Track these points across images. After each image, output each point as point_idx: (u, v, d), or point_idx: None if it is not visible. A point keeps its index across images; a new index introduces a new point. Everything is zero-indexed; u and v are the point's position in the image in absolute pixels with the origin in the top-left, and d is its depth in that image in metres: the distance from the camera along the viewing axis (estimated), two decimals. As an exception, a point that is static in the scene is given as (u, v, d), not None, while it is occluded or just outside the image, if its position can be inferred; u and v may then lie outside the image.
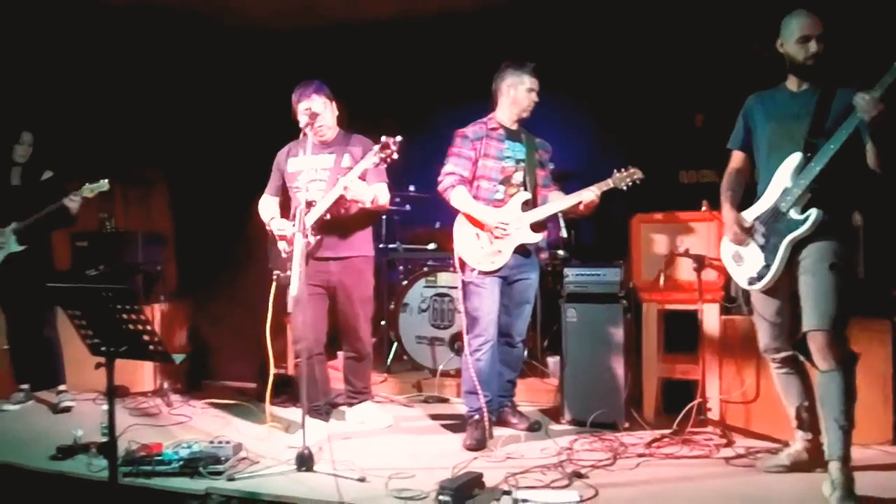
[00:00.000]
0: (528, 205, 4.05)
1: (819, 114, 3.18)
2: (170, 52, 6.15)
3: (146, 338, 2.89)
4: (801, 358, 3.30)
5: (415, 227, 5.72)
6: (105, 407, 3.66)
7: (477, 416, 3.93)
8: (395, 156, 3.74)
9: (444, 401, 4.84)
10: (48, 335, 4.88)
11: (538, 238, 4.03)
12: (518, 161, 4.07)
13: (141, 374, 5.16)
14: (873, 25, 4.51)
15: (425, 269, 5.28)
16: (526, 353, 4.77)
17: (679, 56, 5.40)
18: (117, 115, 6.12)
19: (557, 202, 4.04)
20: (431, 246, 5.53)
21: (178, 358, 2.98)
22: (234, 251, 6.33)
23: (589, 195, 3.90)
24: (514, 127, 4.12)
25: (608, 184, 3.91)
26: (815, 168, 3.10)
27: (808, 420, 3.36)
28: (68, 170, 5.07)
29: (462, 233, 4.05)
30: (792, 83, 3.31)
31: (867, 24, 4.51)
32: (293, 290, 3.38)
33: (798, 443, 3.41)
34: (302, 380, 3.51)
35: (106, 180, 4.71)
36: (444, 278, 5.14)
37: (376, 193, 3.98)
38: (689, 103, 5.45)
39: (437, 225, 5.52)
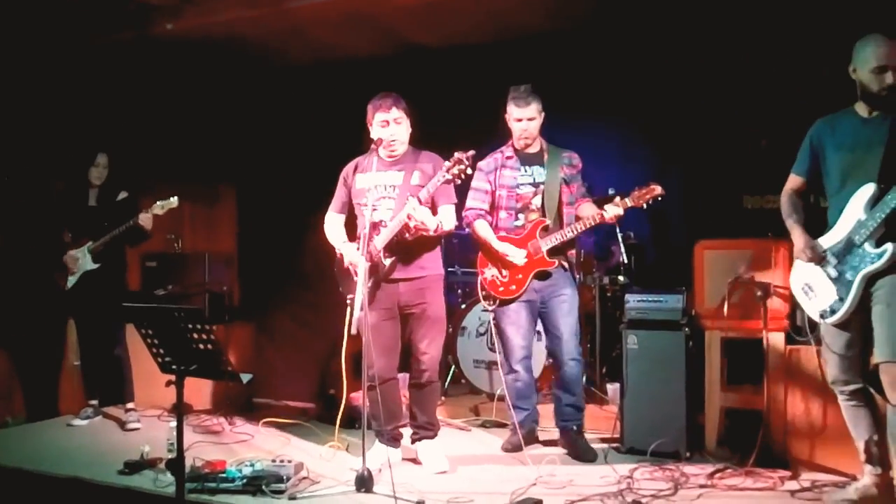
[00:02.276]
0: (548, 230, 4.12)
1: (892, 143, 3.10)
2: (240, 76, 6.37)
3: (216, 357, 2.97)
4: (872, 390, 3.22)
5: (474, 251, 5.70)
6: (172, 424, 3.79)
7: (513, 426, 4.22)
8: (469, 171, 3.66)
9: (502, 426, 4.82)
10: (118, 353, 5.02)
11: (553, 263, 4.10)
12: (537, 184, 4.15)
13: (203, 391, 5.28)
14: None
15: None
16: (584, 378, 4.74)
17: (743, 78, 5.35)
18: (191, 135, 6.35)
19: (570, 228, 4.08)
20: (490, 270, 5.53)
21: (246, 377, 3.04)
22: (295, 272, 6.47)
23: (606, 214, 3.97)
24: (535, 149, 4.19)
25: (626, 203, 3.95)
26: (891, 202, 3.01)
27: (877, 454, 3.27)
28: (144, 190, 5.25)
29: (483, 264, 4.24)
30: (862, 109, 3.22)
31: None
32: (356, 312, 3.41)
33: (867, 477, 3.31)
34: (365, 403, 3.53)
35: (175, 197, 4.85)
36: (503, 302, 5.14)
37: (440, 220, 3.84)
38: (754, 126, 5.37)
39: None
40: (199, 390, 5.21)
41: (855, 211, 3.15)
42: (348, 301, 3.92)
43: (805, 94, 5.03)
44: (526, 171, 4.17)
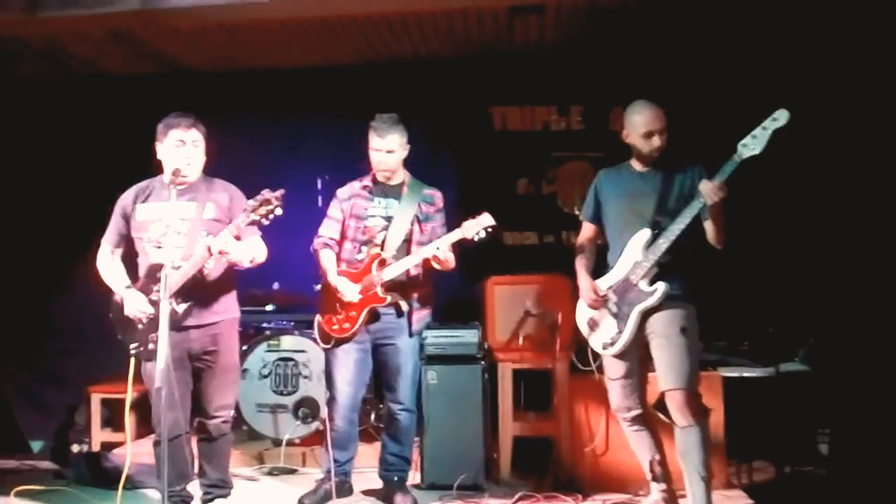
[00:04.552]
0: (385, 264, 3.84)
1: (663, 195, 3.48)
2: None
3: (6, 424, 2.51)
4: (660, 414, 3.51)
5: (251, 288, 5.41)
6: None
7: (323, 477, 3.98)
8: (279, 211, 3.26)
9: (292, 471, 4.60)
10: None
11: (384, 300, 3.81)
12: (387, 219, 3.91)
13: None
14: (708, 109, 5.01)
15: (267, 332, 5.04)
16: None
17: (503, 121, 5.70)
18: None
19: (403, 261, 3.82)
20: (269, 307, 5.29)
21: (37, 446, 2.60)
22: (35, 314, 5.69)
23: (440, 248, 3.72)
24: (395, 182, 3.95)
25: (457, 234, 3.73)
26: (662, 245, 3.36)
27: (661, 472, 3.58)
28: None
29: (324, 298, 3.98)
30: (637, 165, 3.59)
31: (702, 109, 5.00)
32: (160, 363, 3.02)
33: (654, 493, 3.61)
34: (164, 465, 3.11)
35: None
36: (287, 342, 4.90)
37: (254, 253, 3.52)
38: (511, 167, 5.72)
39: (276, 286, 5.31)
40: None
41: (632, 253, 3.46)
42: (131, 351, 3.51)
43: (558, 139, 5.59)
44: (379, 203, 3.91)
